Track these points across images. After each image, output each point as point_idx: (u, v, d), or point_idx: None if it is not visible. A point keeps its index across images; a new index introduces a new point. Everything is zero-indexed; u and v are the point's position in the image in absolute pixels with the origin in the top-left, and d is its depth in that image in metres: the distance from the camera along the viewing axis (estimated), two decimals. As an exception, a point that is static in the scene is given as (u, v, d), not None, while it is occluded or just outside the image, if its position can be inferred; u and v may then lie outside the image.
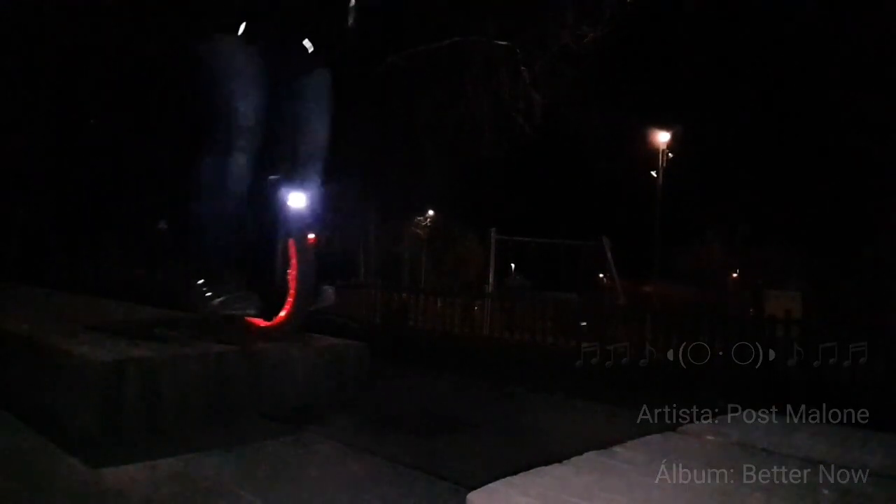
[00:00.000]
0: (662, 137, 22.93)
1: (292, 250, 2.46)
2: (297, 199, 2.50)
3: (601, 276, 14.42)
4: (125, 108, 15.57)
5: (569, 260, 13.79)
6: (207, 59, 2.55)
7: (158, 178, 17.53)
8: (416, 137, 16.39)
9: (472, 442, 2.63)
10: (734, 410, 2.19)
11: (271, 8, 2.53)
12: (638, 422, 2.75)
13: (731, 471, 1.56)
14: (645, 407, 3.55)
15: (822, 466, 1.63)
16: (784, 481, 1.51)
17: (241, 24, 2.48)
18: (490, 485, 1.40)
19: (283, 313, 2.53)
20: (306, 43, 2.62)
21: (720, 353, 7.30)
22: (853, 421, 2.14)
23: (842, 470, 1.60)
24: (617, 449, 1.69)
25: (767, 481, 1.50)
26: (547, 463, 1.53)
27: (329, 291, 2.67)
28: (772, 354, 6.97)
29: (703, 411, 2.25)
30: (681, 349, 7.73)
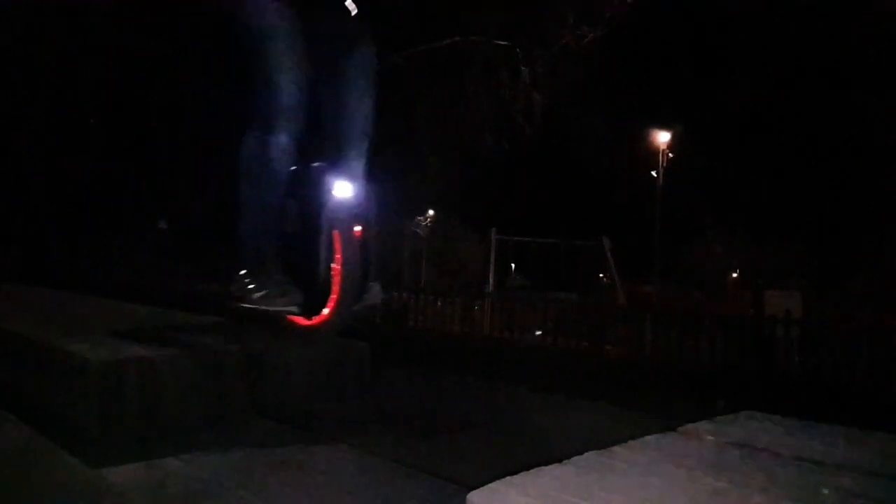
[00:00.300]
0: (662, 137, 22.94)
1: (337, 243, 2.26)
2: (342, 188, 2.29)
3: (601, 276, 14.42)
4: (125, 108, 15.56)
5: (569, 260, 13.79)
6: (247, 26, 2.32)
7: (160, 177, 17.54)
8: (416, 137, 16.39)
9: (472, 442, 2.63)
10: (734, 410, 2.19)
11: None
12: (638, 421, 2.75)
13: (731, 471, 1.56)
14: (645, 406, 3.55)
15: (821, 466, 1.63)
16: (784, 481, 1.51)
17: None
18: (490, 485, 1.40)
19: (325, 311, 2.31)
20: (349, 4, 2.44)
21: (720, 353, 7.30)
22: (853, 420, 2.14)
23: (842, 470, 1.60)
24: (617, 449, 1.69)
25: (767, 481, 1.50)
26: (547, 463, 1.53)
27: (376, 289, 2.48)
28: (772, 354, 6.97)
29: (702, 411, 2.24)
30: (680, 349, 7.74)
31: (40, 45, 13.64)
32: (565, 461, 1.56)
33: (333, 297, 2.27)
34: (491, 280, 14.52)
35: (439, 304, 10.45)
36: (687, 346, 7.50)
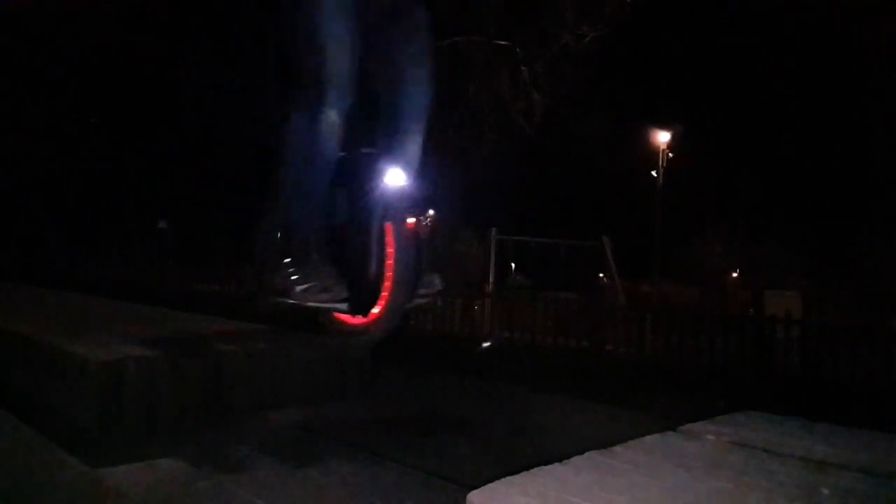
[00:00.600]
0: (662, 137, 22.96)
1: (389, 235, 2.05)
2: (395, 176, 2.07)
3: (601, 276, 14.42)
4: (125, 108, 15.56)
5: (569, 260, 13.78)
6: None
7: (159, 177, 17.54)
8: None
9: (472, 441, 2.63)
10: (734, 410, 2.19)
11: None
12: (638, 421, 2.75)
13: (732, 471, 1.56)
14: (645, 406, 3.55)
15: (821, 466, 1.63)
16: (784, 481, 1.51)
17: None
18: (490, 484, 1.40)
19: (376, 310, 2.06)
20: None
21: (720, 353, 7.30)
22: (853, 421, 2.14)
23: (842, 470, 1.60)
24: (617, 449, 1.69)
25: (767, 481, 1.50)
26: (547, 463, 1.53)
27: (436, 280, 2.22)
28: (772, 354, 6.97)
29: (703, 411, 2.24)
30: (681, 349, 7.72)
31: (40, 44, 13.64)
32: (565, 461, 1.56)
33: (384, 294, 2.03)
34: (491, 279, 14.51)
35: (439, 303, 10.45)
36: (687, 345, 7.50)
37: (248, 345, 3.08)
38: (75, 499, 1.89)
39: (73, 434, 2.39)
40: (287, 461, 2.24)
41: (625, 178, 23.98)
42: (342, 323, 2.17)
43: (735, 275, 29.19)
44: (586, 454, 1.62)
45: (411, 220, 2.07)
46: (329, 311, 2.13)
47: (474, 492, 1.39)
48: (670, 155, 23.17)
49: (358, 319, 2.12)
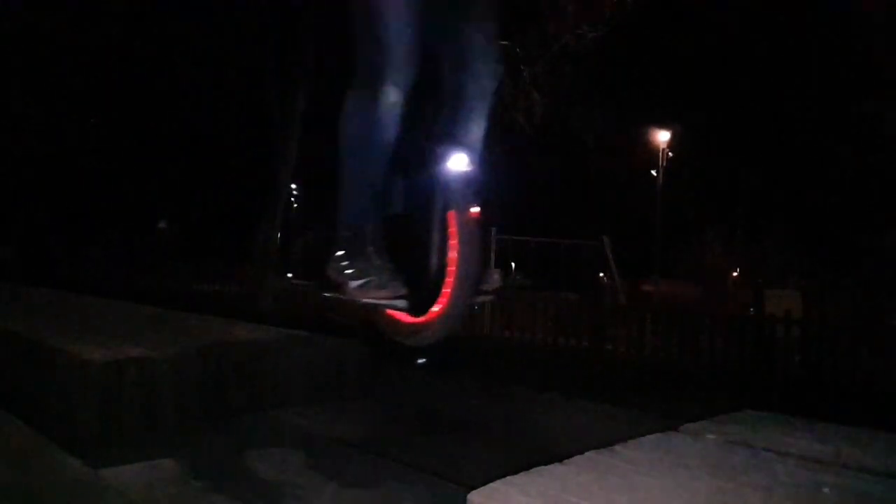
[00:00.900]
0: (662, 137, 22.96)
1: (452, 226, 1.85)
2: (459, 162, 1.89)
3: (601, 275, 14.43)
4: (126, 107, 15.56)
5: (569, 260, 13.79)
6: None
7: (159, 177, 17.55)
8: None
9: (472, 441, 2.63)
10: (734, 410, 2.19)
11: None
12: (638, 421, 2.75)
13: (731, 470, 1.56)
14: (645, 405, 3.55)
15: (822, 465, 1.63)
16: (784, 480, 1.50)
17: None
18: (490, 484, 1.40)
19: (437, 307, 1.86)
20: None
21: (720, 353, 7.30)
22: (853, 420, 2.14)
23: (842, 469, 1.60)
24: (617, 448, 1.69)
25: (768, 480, 1.50)
26: (547, 462, 1.53)
27: (496, 276, 2.02)
28: (772, 354, 6.97)
29: (703, 410, 2.24)
30: (680, 349, 7.70)
31: (40, 44, 13.65)
32: (566, 460, 1.56)
33: (447, 290, 1.84)
34: (491, 280, 14.47)
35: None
36: (687, 345, 7.50)
37: (248, 345, 3.08)
38: (75, 499, 1.88)
39: (73, 434, 2.39)
40: (287, 461, 2.24)
41: (625, 178, 23.98)
42: (397, 322, 1.97)
43: (735, 274, 29.19)
44: (586, 454, 1.62)
45: (475, 210, 1.87)
46: (384, 308, 1.93)
47: (474, 491, 1.39)
48: (670, 155, 23.17)
49: (415, 318, 1.92)
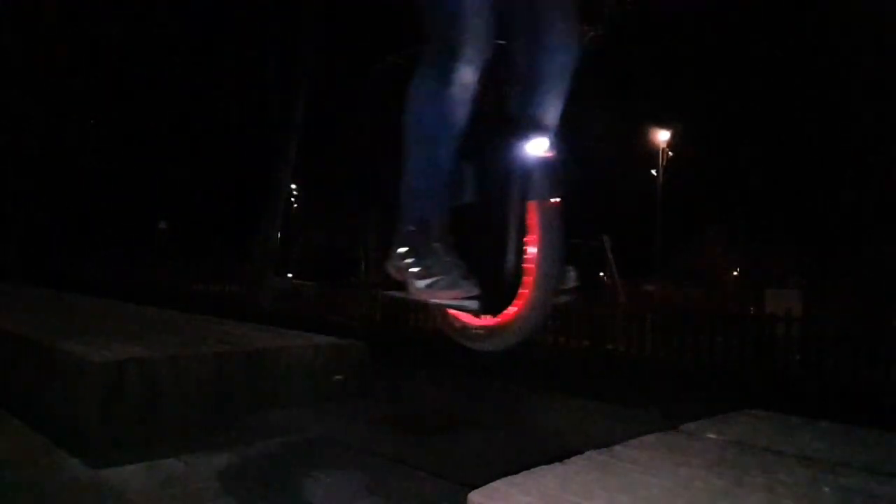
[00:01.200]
0: (662, 136, 22.97)
1: (533, 217, 1.67)
2: (539, 144, 1.70)
3: (601, 275, 14.42)
4: (126, 108, 15.55)
5: (569, 259, 13.78)
6: None
7: (159, 177, 17.54)
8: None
9: (473, 441, 2.63)
10: (734, 410, 2.18)
11: None
12: (638, 420, 2.75)
13: (732, 470, 1.56)
14: (645, 405, 3.55)
15: (822, 465, 1.62)
16: (784, 480, 1.50)
17: None
18: (491, 484, 1.40)
19: (514, 308, 1.68)
20: None
21: (720, 352, 7.30)
22: (853, 420, 2.14)
23: (842, 469, 1.60)
24: (617, 448, 1.69)
25: (768, 480, 1.50)
26: (548, 462, 1.53)
27: (572, 274, 1.82)
28: (772, 353, 6.97)
29: (703, 410, 2.24)
30: (681, 349, 7.69)
31: (40, 44, 13.64)
32: (566, 460, 1.56)
33: (526, 289, 1.66)
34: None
35: (439, 303, 10.44)
36: (687, 345, 7.49)
37: (248, 345, 3.08)
38: (76, 499, 1.88)
39: (73, 434, 2.39)
40: (288, 461, 2.24)
41: (625, 177, 23.97)
42: (465, 325, 1.79)
43: (735, 273, 29.19)
44: (587, 453, 1.62)
45: (556, 199, 1.69)
46: (454, 309, 1.76)
47: (475, 491, 1.39)
48: (670, 154, 23.17)
49: (488, 320, 1.74)
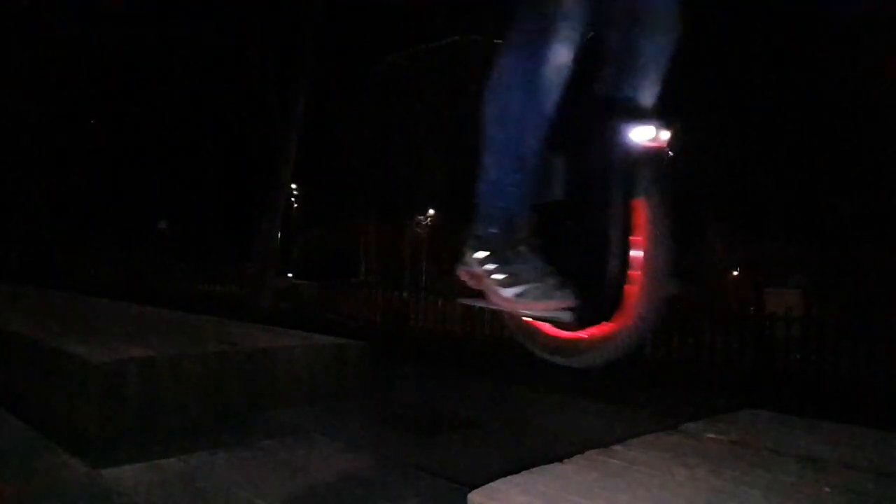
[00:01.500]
0: (662, 136, 22.94)
1: (640, 216, 1.47)
2: (645, 133, 1.49)
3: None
4: (126, 108, 15.56)
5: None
6: None
7: (159, 178, 17.56)
8: (416, 137, 16.42)
9: (473, 440, 2.63)
10: (735, 409, 2.19)
11: None
12: (638, 420, 2.75)
13: (733, 469, 1.56)
14: (645, 405, 3.55)
15: (823, 464, 1.62)
16: (785, 479, 1.50)
17: None
18: (491, 483, 1.40)
19: (616, 321, 1.47)
20: None
21: (721, 352, 7.29)
22: (853, 420, 2.14)
23: (843, 468, 1.60)
24: (617, 448, 1.69)
25: (768, 479, 1.50)
26: (548, 461, 1.53)
27: (675, 281, 1.55)
28: (772, 352, 6.97)
29: (703, 410, 2.25)
30: (681, 348, 7.68)
31: (41, 44, 13.66)
32: (566, 460, 1.56)
33: (632, 300, 1.46)
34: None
35: (440, 303, 10.45)
36: (687, 344, 7.48)
37: (248, 345, 3.08)
38: (76, 498, 1.89)
39: (73, 434, 2.39)
40: (288, 460, 2.24)
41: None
42: (555, 338, 1.57)
43: (735, 273, 29.20)
44: (587, 453, 1.62)
45: (667, 197, 1.49)
46: (543, 321, 1.57)
47: (475, 491, 1.39)
48: (670, 153, 23.13)
49: (584, 333, 1.51)
